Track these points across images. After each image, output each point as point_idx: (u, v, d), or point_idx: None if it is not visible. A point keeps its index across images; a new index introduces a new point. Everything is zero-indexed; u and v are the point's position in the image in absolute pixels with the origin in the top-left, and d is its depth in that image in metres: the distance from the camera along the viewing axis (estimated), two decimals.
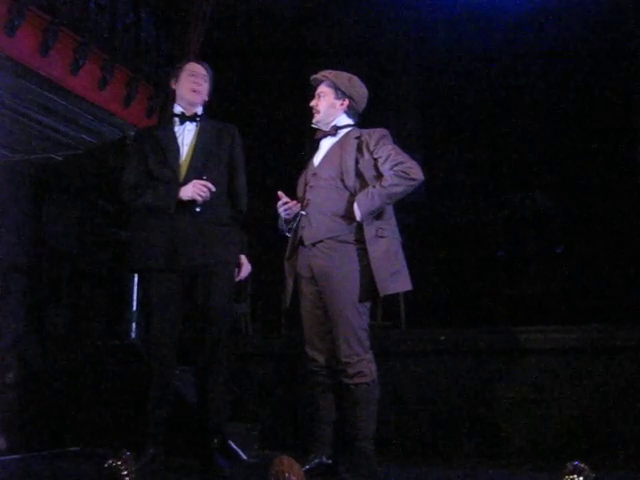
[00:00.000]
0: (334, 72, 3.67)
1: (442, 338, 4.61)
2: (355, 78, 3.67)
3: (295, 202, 3.54)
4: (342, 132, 3.63)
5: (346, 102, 3.63)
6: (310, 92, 3.77)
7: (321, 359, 3.50)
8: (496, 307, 6.36)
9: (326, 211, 3.47)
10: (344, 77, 3.64)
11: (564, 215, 6.91)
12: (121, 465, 2.85)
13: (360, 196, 3.41)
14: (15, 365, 5.17)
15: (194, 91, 3.72)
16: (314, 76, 3.70)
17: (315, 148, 3.72)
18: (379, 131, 3.57)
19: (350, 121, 3.67)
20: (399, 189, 3.40)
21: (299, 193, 3.64)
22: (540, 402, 4.33)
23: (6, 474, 3.88)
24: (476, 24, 7.00)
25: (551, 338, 4.43)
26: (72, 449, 4.63)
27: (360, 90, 3.67)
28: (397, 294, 5.85)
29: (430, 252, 6.89)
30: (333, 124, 3.64)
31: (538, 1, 6.82)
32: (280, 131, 7.38)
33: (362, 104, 3.70)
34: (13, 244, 5.86)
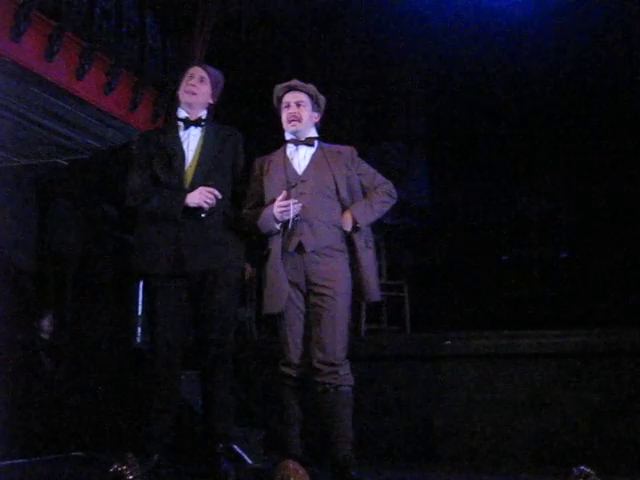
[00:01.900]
0: (310, 85, 3.75)
1: (447, 342, 4.60)
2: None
3: (299, 203, 3.49)
4: (316, 143, 3.71)
5: (318, 116, 3.76)
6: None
7: (300, 365, 3.52)
8: (501, 311, 6.35)
9: (325, 220, 3.53)
10: (318, 92, 3.76)
11: (569, 220, 6.90)
12: (126, 470, 2.86)
13: (359, 208, 3.57)
14: (19, 370, 5.17)
15: (187, 92, 3.73)
16: (296, 83, 3.72)
17: (281, 151, 3.72)
18: (353, 149, 3.73)
19: (316, 134, 3.75)
20: (387, 207, 3.68)
21: (275, 195, 3.55)
22: (546, 406, 4.32)
23: (10, 479, 3.89)
24: (484, 27, 7.02)
25: (556, 342, 4.42)
26: (76, 454, 4.63)
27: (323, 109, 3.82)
28: (403, 298, 5.91)
29: (434, 256, 6.89)
30: (308, 135, 3.71)
31: (542, 15, 6.85)
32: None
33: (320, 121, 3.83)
34: (18, 248, 5.87)
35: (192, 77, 3.75)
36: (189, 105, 3.74)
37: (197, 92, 3.73)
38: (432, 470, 4.20)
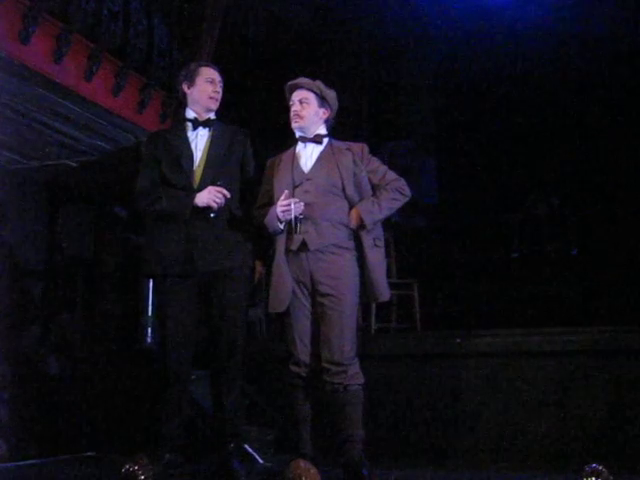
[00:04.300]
0: (318, 81, 3.71)
1: (457, 341, 4.59)
2: (334, 91, 3.74)
3: (301, 202, 3.48)
4: (325, 141, 3.68)
5: (327, 112, 3.71)
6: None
7: (309, 364, 3.51)
8: (511, 309, 6.33)
9: (330, 218, 3.51)
10: (327, 88, 3.71)
11: (578, 217, 6.87)
12: (138, 470, 2.86)
13: (366, 206, 3.53)
14: (31, 370, 5.20)
15: (212, 98, 3.73)
16: (300, 81, 3.70)
17: (292, 150, 3.71)
18: (364, 146, 3.70)
19: (326, 131, 3.73)
20: (398, 204, 3.63)
21: (281, 193, 3.54)
22: (557, 404, 4.31)
23: (23, 479, 3.90)
24: (492, 26, 7.02)
25: (567, 340, 4.41)
26: (88, 454, 4.64)
27: (336, 104, 3.76)
28: (413, 296, 5.90)
29: (444, 254, 6.88)
30: (316, 132, 3.68)
31: (550, 12, 6.84)
32: (292, 135, 7.38)
33: (333, 117, 3.78)
34: (28, 250, 5.89)
35: (213, 82, 3.74)
36: (209, 110, 3.74)
37: (219, 98, 3.75)
38: (444, 468, 4.20)
